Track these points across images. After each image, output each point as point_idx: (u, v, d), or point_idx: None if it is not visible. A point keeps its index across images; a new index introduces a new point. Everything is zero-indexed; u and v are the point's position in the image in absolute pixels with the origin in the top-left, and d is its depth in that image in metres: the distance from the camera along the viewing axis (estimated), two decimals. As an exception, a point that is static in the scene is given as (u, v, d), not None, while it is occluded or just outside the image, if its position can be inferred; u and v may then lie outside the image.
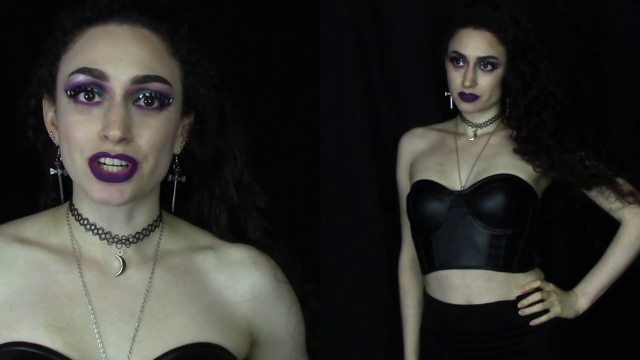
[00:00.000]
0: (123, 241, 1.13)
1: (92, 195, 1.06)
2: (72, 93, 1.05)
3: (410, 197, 1.91)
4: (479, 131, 1.91)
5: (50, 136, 1.14)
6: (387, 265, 2.14)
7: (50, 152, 1.15)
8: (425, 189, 1.87)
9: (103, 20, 1.09)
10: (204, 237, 1.23)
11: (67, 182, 1.17)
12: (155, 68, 1.07)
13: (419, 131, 2.00)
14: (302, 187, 2.12)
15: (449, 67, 1.86)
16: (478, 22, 1.82)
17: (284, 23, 2.05)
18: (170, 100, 1.08)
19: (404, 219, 1.98)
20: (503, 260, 1.79)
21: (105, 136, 1.02)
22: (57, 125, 1.10)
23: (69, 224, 1.14)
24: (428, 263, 1.87)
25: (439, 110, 2.02)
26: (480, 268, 1.79)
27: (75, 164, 1.05)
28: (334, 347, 2.14)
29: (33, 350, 1.02)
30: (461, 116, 1.93)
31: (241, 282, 1.20)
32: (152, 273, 1.14)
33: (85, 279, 1.10)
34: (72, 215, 1.14)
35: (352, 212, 2.19)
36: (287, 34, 2.04)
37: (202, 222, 1.26)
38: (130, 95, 1.05)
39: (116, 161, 1.03)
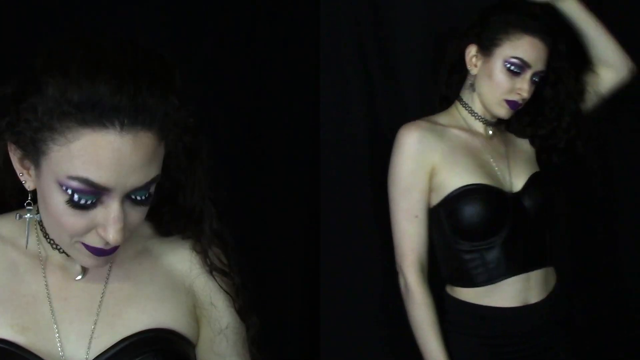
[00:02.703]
0: None
1: (78, 261, 1.12)
2: (68, 191, 1.01)
3: (458, 203, 1.76)
4: (490, 129, 1.89)
5: (20, 178, 1.09)
6: (385, 264, 2.13)
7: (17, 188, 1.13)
8: (481, 194, 1.75)
9: (102, 126, 0.98)
10: (148, 227, 1.26)
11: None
12: (153, 172, 1.05)
13: (425, 125, 1.84)
14: (301, 185, 2.13)
15: (499, 69, 1.78)
16: (544, 35, 1.77)
17: (284, 23, 2.06)
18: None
19: (411, 223, 1.79)
20: (549, 255, 1.83)
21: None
22: (36, 183, 1.06)
23: (37, 235, 1.17)
24: (488, 273, 1.77)
25: (438, 109, 2.02)
26: (541, 267, 1.81)
27: (63, 241, 1.09)
28: (334, 347, 2.15)
29: (1, 346, 1.08)
30: (472, 113, 1.88)
31: (181, 262, 1.24)
32: (108, 272, 1.19)
33: (48, 281, 1.15)
34: (41, 229, 1.16)
35: (352, 210, 2.18)
36: (287, 34, 2.05)
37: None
38: (127, 195, 1.04)
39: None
